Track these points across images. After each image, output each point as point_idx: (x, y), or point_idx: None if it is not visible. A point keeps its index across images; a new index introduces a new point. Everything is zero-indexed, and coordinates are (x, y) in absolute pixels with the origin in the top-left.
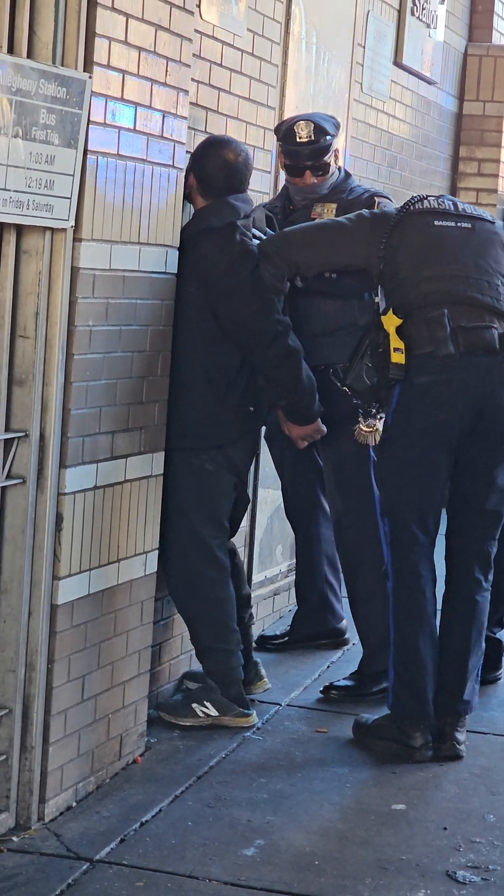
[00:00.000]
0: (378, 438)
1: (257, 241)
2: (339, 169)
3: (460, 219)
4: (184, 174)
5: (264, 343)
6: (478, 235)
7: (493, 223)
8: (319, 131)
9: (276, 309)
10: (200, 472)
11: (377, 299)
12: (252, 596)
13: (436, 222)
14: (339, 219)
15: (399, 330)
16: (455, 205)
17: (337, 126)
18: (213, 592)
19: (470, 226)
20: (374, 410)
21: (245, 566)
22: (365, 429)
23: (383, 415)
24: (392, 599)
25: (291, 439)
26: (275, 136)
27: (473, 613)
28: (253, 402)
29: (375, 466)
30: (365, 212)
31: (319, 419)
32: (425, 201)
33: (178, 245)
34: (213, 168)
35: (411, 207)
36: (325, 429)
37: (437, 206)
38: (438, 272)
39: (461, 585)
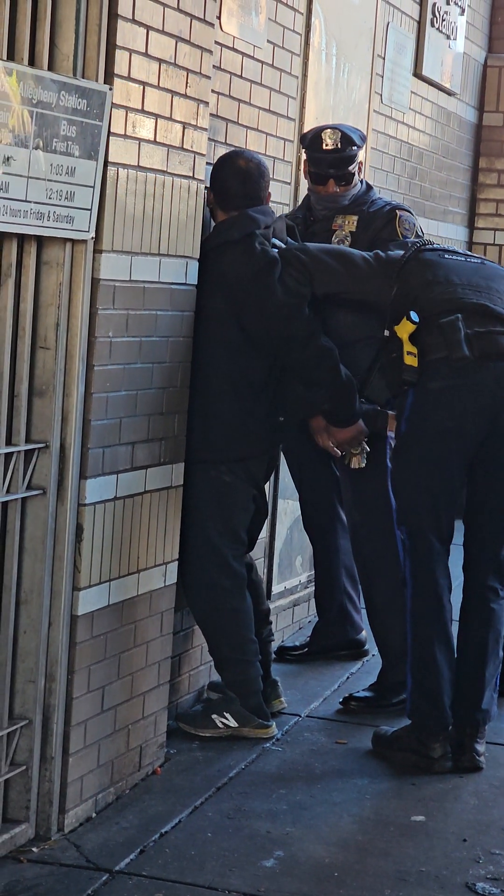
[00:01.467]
0: (364, 461)
1: (277, 250)
2: (362, 181)
3: (469, 257)
4: (204, 186)
5: (298, 347)
6: (487, 269)
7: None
8: (346, 141)
9: (304, 312)
10: (218, 482)
11: (386, 332)
12: (272, 607)
13: (446, 255)
14: (359, 251)
15: (412, 337)
16: (464, 251)
17: (363, 138)
18: (229, 603)
19: (479, 261)
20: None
21: (265, 578)
22: (354, 451)
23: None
24: (409, 606)
25: (309, 452)
26: (300, 145)
27: (490, 621)
28: (282, 412)
29: (390, 474)
30: (381, 252)
31: (361, 420)
32: (434, 244)
33: (198, 256)
34: (227, 177)
35: (421, 247)
36: (367, 429)
37: (445, 247)
38: (450, 286)
39: (477, 594)
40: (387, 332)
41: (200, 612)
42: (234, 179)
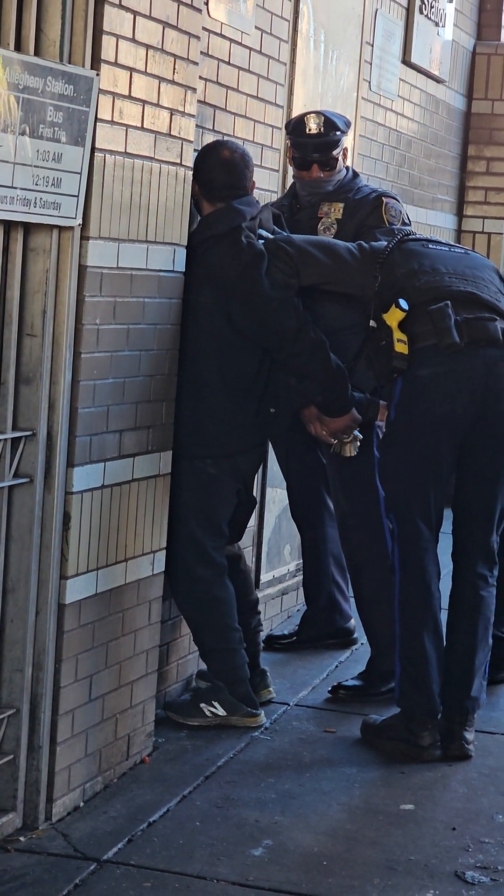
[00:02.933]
0: (357, 449)
1: (263, 241)
2: (347, 168)
3: (453, 247)
4: (192, 173)
5: (289, 340)
6: (471, 258)
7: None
8: (329, 125)
9: (293, 304)
10: (202, 474)
11: (371, 323)
12: (260, 596)
13: (430, 245)
14: (343, 242)
15: (401, 325)
16: (447, 241)
17: (347, 124)
18: (209, 592)
19: (463, 251)
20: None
21: (253, 566)
22: (345, 439)
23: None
24: (398, 594)
25: (297, 441)
26: (284, 132)
27: (479, 609)
28: (274, 404)
29: (379, 462)
30: (364, 243)
31: (354, 408)
32: (416, 234)
33: (185, 244)
34: (212, 167)
35: (404, 237)
36: (360, 417)
37: (429, 237)
38: (436, 275)
39: (466, 581)
40: (373, 323)
41: (183, 602)
42: (220, 170)
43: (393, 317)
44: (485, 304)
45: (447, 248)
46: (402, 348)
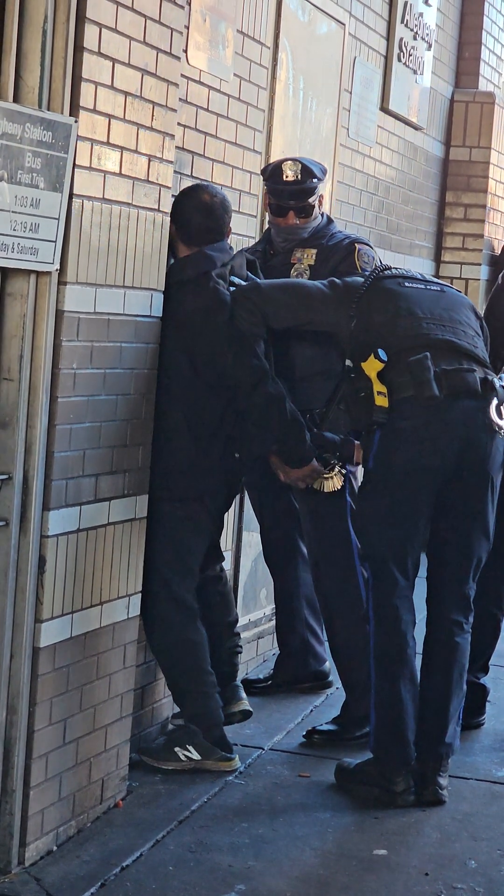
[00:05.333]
0: (342, 482)
1: (234, 289)
2: (322, 215)
3: (429, 284)
4: (169, 217)
5: (245, 391)
6: (447, 298)
7: (460, 292)
8: (306, 173)
9: (254, 355)
10: (171, 517)
11: (347, 362)
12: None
13: (406, 283)
14: (313, 282)
15: (380, 375)
16: (422, 275)
17: (324, 172)
18: (182, 635)
19: (439, 289)
20: (333, 461)
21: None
22: (326, 474)
23: (340, 462)
24: (372, 642)
25: (269, 485)
26: (261, 178)
27: (454, 656)
28: (238, 449)
29: (355, 512)
30: (336, 279)
31: (315, 459)
32: (393, 269)
33: (163, 289)
34: (191, 210)
35: (380, 273)
36: (321, 468)
37: (404, 273)
38: (414, 320)
39: (441, 628)
40: (349, 363)
41: (156, 645)
42: (198, 213)
43: (372, 367)
44: (463, 352)
45: (423, 286)
46: (382, 401)
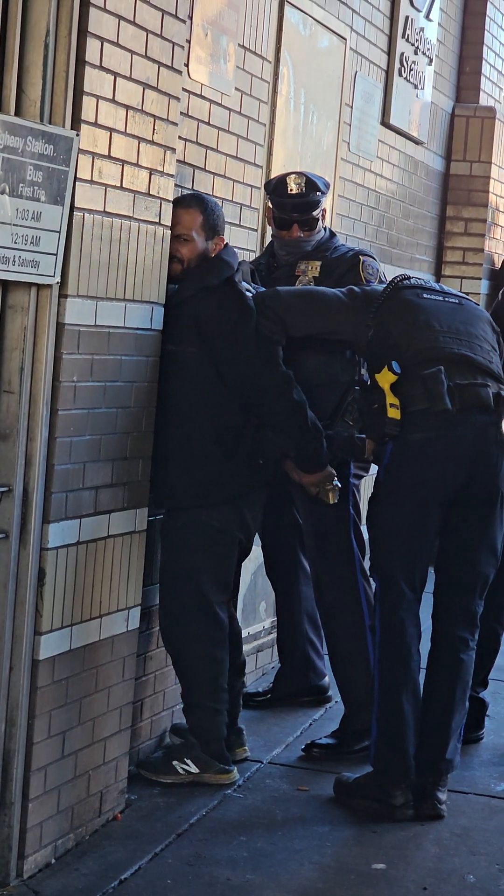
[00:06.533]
0: (337, 497)
1: (250, 294)
2: (325, 228)
3: (447, 296)
4: (170, 231)
5: (270, 398)
6: (465, 310)
7: (478, 305)
8: (310, 186)
9: (278, 363)
10: (209, 529)
11: (363, 371)
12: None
13: (424, 295)
14: (332, 290)
15: (393, 387)
16: (441, 287)
17: (327, 185)
18: (211, 652)
19: (457, 302)
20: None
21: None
22: (328, 486)
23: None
24: (378, 655)
25: (273, 500)
26: (263, 192)
27: (458, 672)
28: (261, 455)
29: (367, 521)
30: (356, 287)
31: (329, 465)
32: (412, 279)
33: (163, 302)
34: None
35: (399, 283)
36: (334, 472)
37: (423, 284)
38: (430, 333)
39: (447, 644)
40: (365, 374)
41: (183, 659)
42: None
43: (385, 378)
44: (478, 367)
45: (441, 298)
46: (394, 414)
